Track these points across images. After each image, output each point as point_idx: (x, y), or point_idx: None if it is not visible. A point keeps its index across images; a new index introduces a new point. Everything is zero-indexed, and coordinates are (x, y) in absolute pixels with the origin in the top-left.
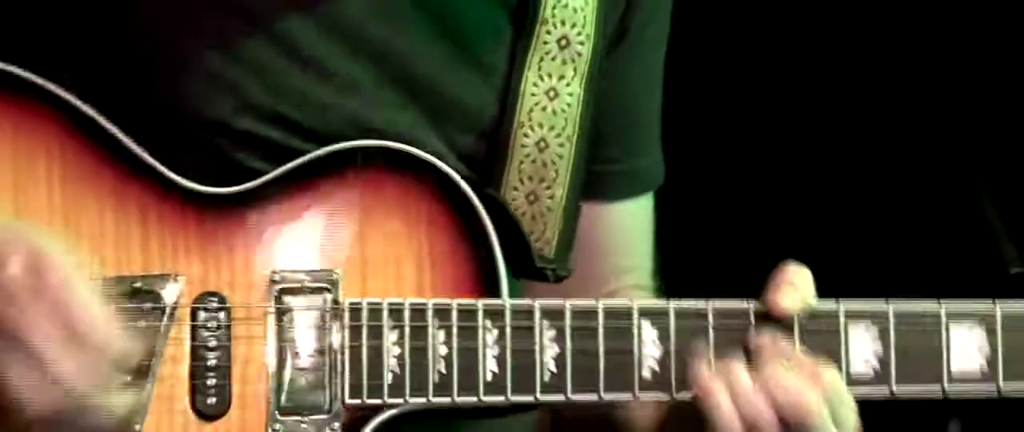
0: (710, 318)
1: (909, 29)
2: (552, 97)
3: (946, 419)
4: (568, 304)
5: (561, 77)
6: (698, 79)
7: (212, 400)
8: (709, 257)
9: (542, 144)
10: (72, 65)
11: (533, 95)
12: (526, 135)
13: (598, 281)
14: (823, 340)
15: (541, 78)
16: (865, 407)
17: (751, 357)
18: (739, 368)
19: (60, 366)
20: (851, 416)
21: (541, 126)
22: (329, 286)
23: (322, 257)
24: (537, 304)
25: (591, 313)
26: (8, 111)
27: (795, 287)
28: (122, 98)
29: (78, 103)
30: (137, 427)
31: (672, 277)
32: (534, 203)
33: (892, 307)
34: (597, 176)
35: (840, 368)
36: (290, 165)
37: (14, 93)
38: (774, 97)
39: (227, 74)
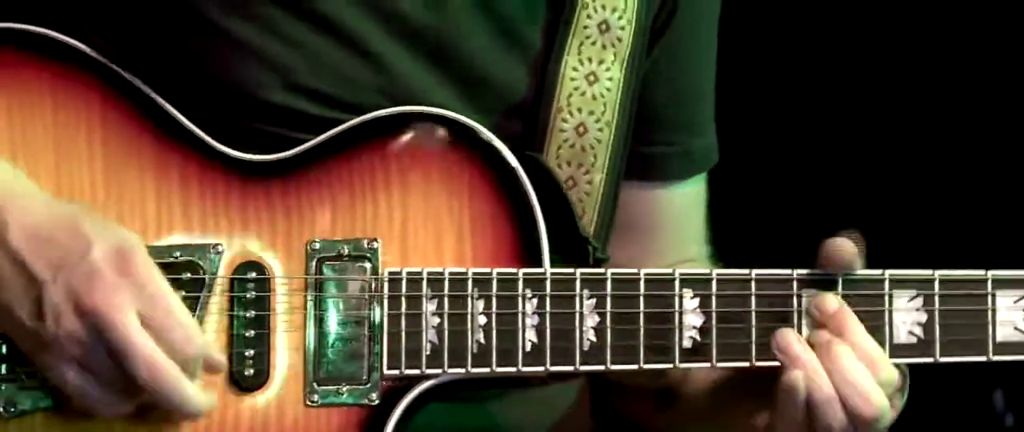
0: (753, 286)
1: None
2: (591, 82)
3: (991, 389)
4: (610, 272)
5: (601, 62)
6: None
7: (250, 371)
8: (762, 236)
9: (581, 129)
10: (113, 39)
11: (573, 79)
12: (565, 119)
13: (651, 262)
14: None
15: (581, 62)
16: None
17: (798, 323)
18: (838, 347)
19: (142, 348)
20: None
21: (580, 111)
22: (368, 255)
23: (362, 226)
24: (578, 272)
25: (632, 281)
26: (50, 78)
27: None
28: (157, 67)
29: (120, 70)
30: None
31: (727, 256)
32: (572, 189)
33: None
34: (651, 158)
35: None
36: (331, 132)
37: (56, 60)
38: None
39: (269, 50)
